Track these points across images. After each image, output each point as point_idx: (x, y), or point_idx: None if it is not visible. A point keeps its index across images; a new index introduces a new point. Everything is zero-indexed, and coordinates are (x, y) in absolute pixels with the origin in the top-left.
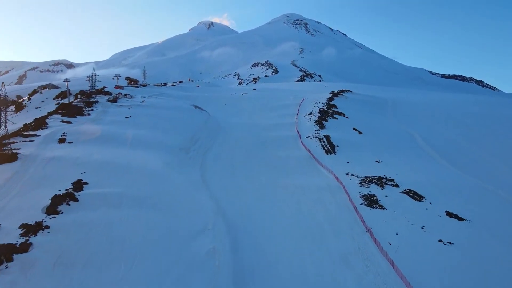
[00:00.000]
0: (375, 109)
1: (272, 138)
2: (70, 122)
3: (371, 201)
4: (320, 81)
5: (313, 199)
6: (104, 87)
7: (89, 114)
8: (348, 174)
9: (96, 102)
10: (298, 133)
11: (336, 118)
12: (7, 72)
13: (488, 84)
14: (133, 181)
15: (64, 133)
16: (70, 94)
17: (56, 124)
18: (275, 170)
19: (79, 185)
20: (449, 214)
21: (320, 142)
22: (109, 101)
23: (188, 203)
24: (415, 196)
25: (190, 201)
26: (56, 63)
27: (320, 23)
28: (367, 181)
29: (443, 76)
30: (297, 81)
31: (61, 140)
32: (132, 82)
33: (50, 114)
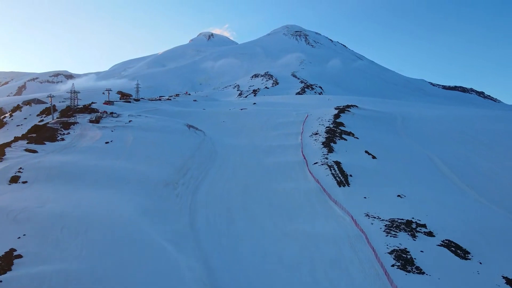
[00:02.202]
0: (385, 127)
1: (276, 165)
2: (35, 151)
3: (405, 261)
4: (321, 93)
5: (329, 257)
6: (92, 103)
7: (63, 139)
8: (368, 215)
9: (75, 123)
10: (305, 158)
11: (345, 139)
12: (6, 82)
13: (489, 96)
14: (90, 248)
15: (21, 168)
16: (56, 110)
17: (16, 154)
18: (280, 210)
19: (7, 261)
20: (509, 282)
21: (330, 170)
22: (91, 121)
23: (165, 276)
24: (458, 251)
25: (169, 272)
26: (56, 74)
27: (320, 34)
28: (393, 227)
29: (444, 87)
30: (298, 93)
31: (14, 179)
32: (124, 96)
33: (16, 139)
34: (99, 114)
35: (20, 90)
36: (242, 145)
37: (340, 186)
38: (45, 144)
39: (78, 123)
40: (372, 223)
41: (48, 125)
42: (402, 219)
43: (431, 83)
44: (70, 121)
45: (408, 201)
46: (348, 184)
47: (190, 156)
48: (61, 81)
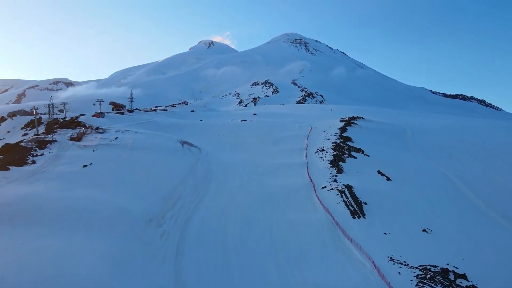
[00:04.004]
0: (395, 141)
1: (279, 189)
2: None
3: None
4: (322, 101)
5: None
6: (81, 115)
7: (34, 162)
8: (392, 259)
9: (52, 141)
10: (311, 181)
11: (355, 157)
12: (6, 90)
13: (491, 104)
14: None
15: None
16: (41, 123)
17: None
18: (285, 250)
19: None
20: None
21: (342, 196)
22: (71, 139)
23: None
24: None
25: None
26: (56, 82)
27: (320, 42)
28: (427, 279)
29: (445, 95)
30: (299, 101)
31: None
32: (117, 107)
33: None
34: (82, 130)
35: (20, 97)
36: (241, 164)
37: (354, 218)
38: (9, 169)
39: (56, 141)
40: (399, 272)
41: (21, 144)
42: (436, 267)
43: (432, 91)
44: (47, 139)
45: (436, 238)
46: (364, 215)
47: (181, 180)
48: (61, 89)
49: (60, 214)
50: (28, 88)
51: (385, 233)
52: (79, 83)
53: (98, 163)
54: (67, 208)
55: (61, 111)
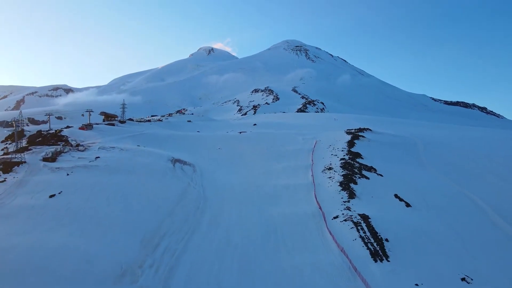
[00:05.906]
0: (407, 157)
1: (283, 221)
2: None
3: None
4: (323, 109)
5: None
6: (67, 127)
7: None
8: None
9: (21, 163)
10: (321, 210)
11: (367, 177)
12: (5, 96)
13: (492, 111)
14: None
15: None
16: (24, 135)
17: None
18: None
19: None
20: None
21: (358, 230)
22: (45, 159)
23: None
24: None
25: None
26: (55, 88)
27: (320, 49)
28: None
29: (446, 102)
30: (300, 109)
31: None
32: (109, 118)
33: None
34: (59, 148)
35: (19, 104)
36: (239, 185)
37: (376, 261)
38: None
39: (25, 162)
40: None
41: None
42: None
43: (433, 98)
44: (15, 160)
45: None
46: (387, 257)
47: (168, 212)
48: (60, 95)
49: (2, 272)
50: (27, 95)
51: (417, 285)
52: (79, 90)
53: (69, 191)
54: (11, 262)
55: (59, 118)
